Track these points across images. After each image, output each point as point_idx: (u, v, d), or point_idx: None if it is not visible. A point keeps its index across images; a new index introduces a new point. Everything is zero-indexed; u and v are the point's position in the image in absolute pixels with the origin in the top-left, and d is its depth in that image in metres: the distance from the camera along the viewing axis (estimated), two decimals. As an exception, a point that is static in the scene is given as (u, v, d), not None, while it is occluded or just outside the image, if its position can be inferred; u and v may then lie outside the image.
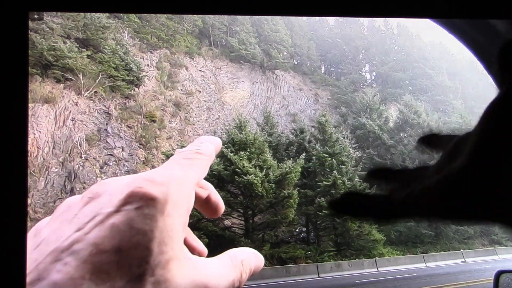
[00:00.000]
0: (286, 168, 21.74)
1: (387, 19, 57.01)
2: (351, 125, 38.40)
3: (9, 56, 0.25)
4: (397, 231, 30.26)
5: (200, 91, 41.57)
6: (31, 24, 25.75)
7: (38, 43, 25.20)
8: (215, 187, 0.41)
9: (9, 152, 0.25)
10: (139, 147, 28.82)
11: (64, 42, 27.12)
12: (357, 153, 32.69)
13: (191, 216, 0.34)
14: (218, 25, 49.17)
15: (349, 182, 25.14)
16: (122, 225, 0.26)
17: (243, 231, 22.35)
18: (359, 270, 21.04)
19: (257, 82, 48.07)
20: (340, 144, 28.22)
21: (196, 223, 18.81)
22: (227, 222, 22.11)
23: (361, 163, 30.16)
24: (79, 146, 25.19)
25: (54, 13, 25.59)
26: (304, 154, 24.30)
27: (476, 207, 0.25)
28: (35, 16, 26.23)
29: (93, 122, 27.46)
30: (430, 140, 0.38)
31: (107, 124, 27.99)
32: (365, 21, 69.15)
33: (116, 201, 0.28)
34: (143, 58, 37.25)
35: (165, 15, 38.25)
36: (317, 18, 56.71)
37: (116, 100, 30.59)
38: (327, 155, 25.78)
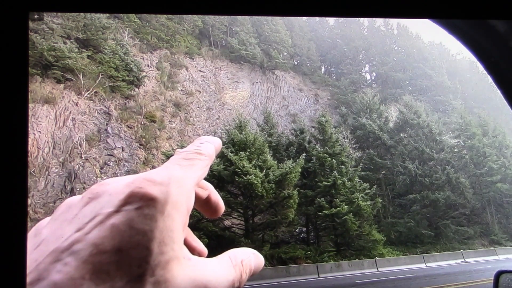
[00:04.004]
0: (286, 168, 21.74)
1: (387, 19, 57.03)
2: (351, 125, 38.40)
3: (9, 56, 0.25)
4: (397, 231, 30.27)
5: (200, 92, 41.58)
6: (31, 24, 25.75)
7: (38, 43, 25.20)
8: (215, 187, 0.41)
9: (9, 152, 0.25)
10: (139, 147, 28.82)
11: (64, 43, 27.13)
12: (357, 153, 32.69)
13: (191, 216, 0.34)
14: (218, 26, 49.19)
15: (349, 182, 25.15)
16: (122, 225, 0.26)
17: (243, 231, 22.35)
18: (359, 270, 21.03)
19: (257, 82, 48.07)
20: (340, 145, 28.23)
21: (196, 223, 18.82)
22: (227, 222, 22.10)
23: (361, 164, 30.17)
24: (79, 147, 25.19)
25: (54, 13, 25.61)
26: (304, 154, 24.28)
27: None
28: (35, 16, 26.25)
29: (93, 123, 27.45)
30: None
31: (107, 124, 27.99)
32: (365, 21, 69.19)
33: (116, 201, 0.28)
34: (143, 59, 37.26)
35: (165, 15, 38.29)
36: (317, 18, 56.77)
37: (116, 101, 30.60)
38: (327, 156, 25.77)
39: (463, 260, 25.46)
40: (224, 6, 0.33)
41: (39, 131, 23.84)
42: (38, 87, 25.04)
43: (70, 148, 24.69)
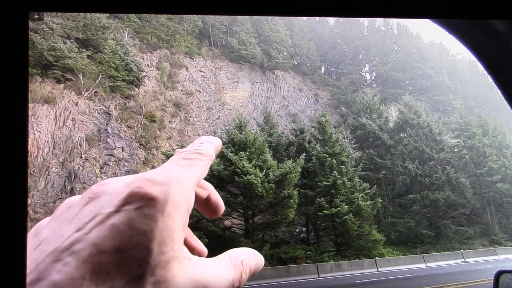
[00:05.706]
0: (286, 168, 21.73)
1: (387, 19, 57.01)
2: (351, 125, 38.40)
3: (9, 56, 0.25)
4: (397, 231, 30.25)
5: (200, 91, 41.57)
6: (31, 24, 25.75)
7: (38, 43, 25.19)
8: (215, 187, 0.41)
9: (9, 152, 0.25)
10: (139, 147, 28.82)
11: (64, 42, 27.12)
12: (357, 153, 32.69)
13: (191, 216, 0.34)
14: (218, 25, 49.18)
15: (349, 182, 25.15)
16: (122, 225, 0.26)
17: (243, 231, 22.34)
18: (359, 270, 21.03)
19: (257, 82, 48.07)
20: (340, 144, 28.23)
21: (196, 223, 18.81)
22: (227, 222, 22.10)
23: (361, 164, 30.16)
24: (79, 146, 25.19)
25: (54, 13, 25.60)
26: (304, 154, 24.27)
27: None
28: (35, 16, 26.23)
29: (93, 122, 27.45)
30: None
31: (107, 124, 27.98)
32: (365, 21, 69.17)
33: (116, 201, 0.28)
34: (143, 58, 37.25)
35: (165, 15, 38.27)
36: (317, 18, 56.76)
37: (116, 100, 30.59)
38: (327, 155, 25.77)
39: (463, 260, 25.46)
40: (224, 6, 0.33)
41: (39, 131, 23.84)
42: (38, 87, 25.04)
43: (70, 148, 24.69)
